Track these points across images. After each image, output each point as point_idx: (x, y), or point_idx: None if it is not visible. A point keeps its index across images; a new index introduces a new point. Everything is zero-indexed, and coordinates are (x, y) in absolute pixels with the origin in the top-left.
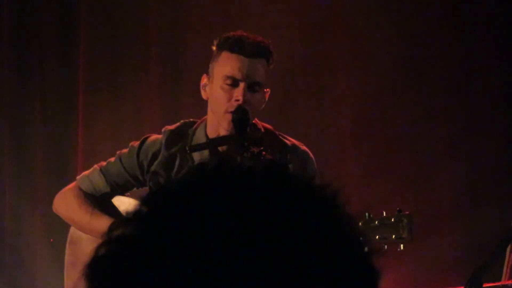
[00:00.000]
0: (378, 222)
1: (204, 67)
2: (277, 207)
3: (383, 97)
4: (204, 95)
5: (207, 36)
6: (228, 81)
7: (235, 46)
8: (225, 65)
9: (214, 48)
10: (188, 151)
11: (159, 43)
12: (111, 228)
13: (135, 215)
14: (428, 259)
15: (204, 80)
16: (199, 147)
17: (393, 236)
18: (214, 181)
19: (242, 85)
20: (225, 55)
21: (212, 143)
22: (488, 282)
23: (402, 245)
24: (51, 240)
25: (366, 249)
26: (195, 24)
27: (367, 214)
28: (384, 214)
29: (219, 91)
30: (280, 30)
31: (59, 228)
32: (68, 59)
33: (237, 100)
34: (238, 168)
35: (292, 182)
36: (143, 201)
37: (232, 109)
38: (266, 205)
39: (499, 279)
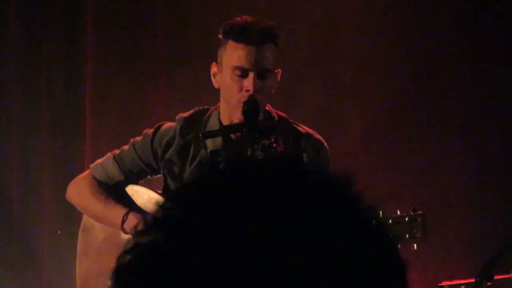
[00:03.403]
0: (392, 221)
1: (212, 56)
2: (305, 205)
3: (394, 91)
4: (215, 83)
5: (215, 25)
6: (237, 72)
7: (241, 36)
8: (233, 55)
9: (220, 36)
10: (202, 138)
11: (167, 32)
12: (137, 233)
13: (161, 219)
14: (438, 251)
15: (214, 68)
16: (212, 134)
17: (407, 235)
18: (235, 183)
19: (251, 74)
20: (231, 44)
21: (225, 130)
22: (499, 274)
23: (415, 245)
24: (59, 232)
25: (392, 241)
26: (202, 12)
27: (381, 212)
28: (398, 213)
29: (229, 81)
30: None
31: (67, 220)
32: (75, 50)
33: (248, 91)
34: (256, 167)
35: (311, 179)
36: (168, 203)
37: (244, 99)
38: (291, 204)
39: (510, 272)
